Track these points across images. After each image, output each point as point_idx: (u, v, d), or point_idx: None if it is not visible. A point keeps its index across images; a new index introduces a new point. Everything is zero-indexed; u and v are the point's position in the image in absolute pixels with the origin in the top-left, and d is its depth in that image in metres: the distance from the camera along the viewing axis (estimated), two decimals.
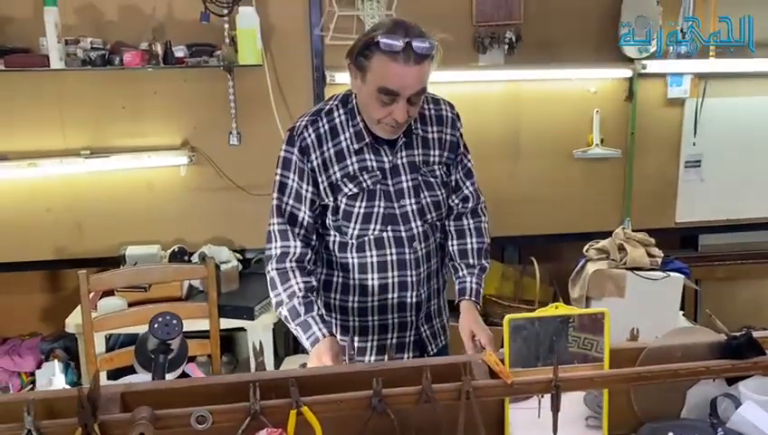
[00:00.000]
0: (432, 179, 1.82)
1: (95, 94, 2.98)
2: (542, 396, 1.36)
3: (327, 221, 1.78)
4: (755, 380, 1.42)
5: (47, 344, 3.22)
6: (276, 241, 1.74)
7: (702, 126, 3.38)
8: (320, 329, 1.66)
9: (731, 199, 3.51)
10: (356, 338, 1.84)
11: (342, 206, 1.75)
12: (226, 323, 2.77)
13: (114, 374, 2.63)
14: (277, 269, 1.72)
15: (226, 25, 2.93)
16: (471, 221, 1.93)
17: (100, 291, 2.81)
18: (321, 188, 1.74)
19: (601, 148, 3.33)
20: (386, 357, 1.81)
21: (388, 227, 1.77)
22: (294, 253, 1.73)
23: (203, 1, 2.83)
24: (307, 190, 1.74)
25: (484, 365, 1.34)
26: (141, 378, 1.42)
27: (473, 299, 1.84)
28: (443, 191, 1.84)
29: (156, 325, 1.41)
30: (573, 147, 3.34)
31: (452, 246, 1.92)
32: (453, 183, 1.89)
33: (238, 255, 3.10)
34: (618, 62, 3.24)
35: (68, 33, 2.79)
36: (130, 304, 2.72)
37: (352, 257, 1.79)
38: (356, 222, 1.75)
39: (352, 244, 1.78)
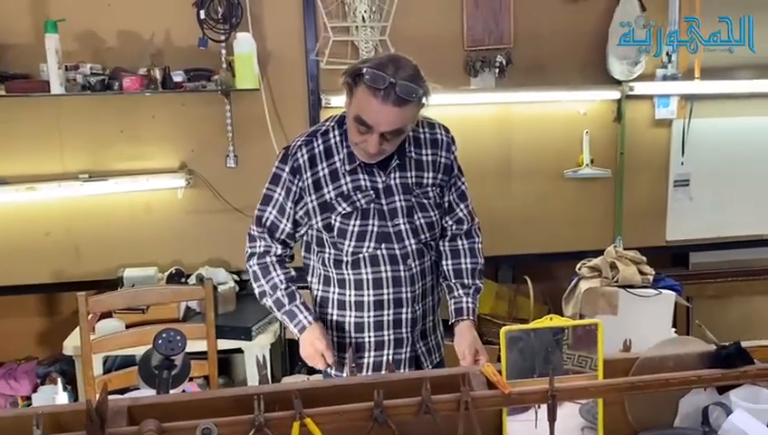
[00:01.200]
0: (425, 201, 1.86)
1: (94, 119, 3.02)
2: (539, 407, 1.39)
3: (324, 238, 1.83)
4: (745, 388, 1.46)
5: (43, 368, 3.21)
6: (258, 241, 1.88)
7: (689, 146, 3.45)
8: (305, 317, 1.83)
9: (720, 217, 3.56)
10: (349, 353, 1.87)
11: (337, 224, 1.80)
12: (224, 344, 2.78)
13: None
14: (259, 264, 1.87)
15: (223, 51, 2.99)
16: (465, 242, 1.97)
17: (97, 313, 2.83)
18: (310, 207, 1.80)
19: (591, 168, 3.39)
20: (383, 370, 1.84)
21: (382, 245, 1.81)
22: (276, 251, 1.87)
23: (201, 27, 2.89)
24: (291, 208, 1.83)
25: (482, 376, 1.37)
26: (145, 393, 1.44)
27: (471, 319, 1.87)
28: (436, 212, 1.89)
29: (160, 341, 1.44)
30: (564, 167, 3.40)
31: (446, 266, 1.95)
32: (446, 205, 1.93)
33: (235, 276, 3.12)
34: (606, 85, 3.32)
35: (68, 59, 2.84)
36: (128, 326, 2.73)
37: (348, 274, 1.84)
38: (351, 239, 1.80)
39: (348, 261, 1.83)
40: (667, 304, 2.76)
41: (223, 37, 2.95)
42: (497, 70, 3.21)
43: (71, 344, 2.79)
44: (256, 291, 1.90)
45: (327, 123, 1.86)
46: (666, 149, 3.48)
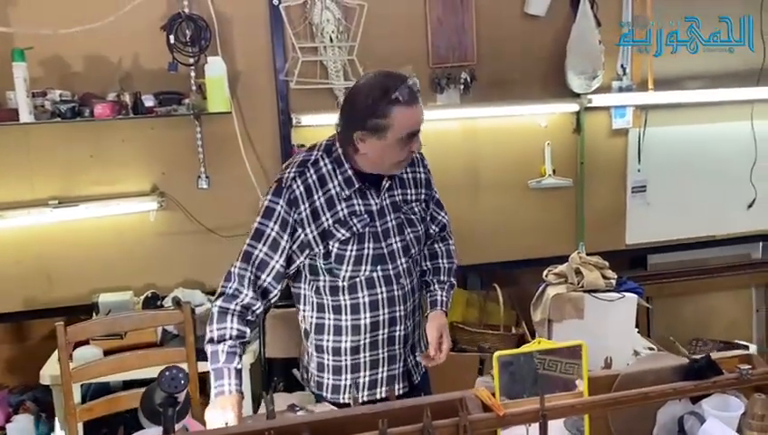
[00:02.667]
0: (413, 216, 1.97)
1: (62, 145, 3.00)
2: (530, 425, 1.48)
3: (318, 265, 1.87)
4: (716, 397, 1.58)
5: (15, 397, 3.17)
6: (233, 282, 1.80)
7: (645, 154, 3.61)
8: (230, 383, 1.72)
9: (675, 220, 3.74)
10: (348, 376, 1.93)
11: (334, 250, 1.84)
12: (204, 367, 2.78)
13: (91, 424, 2.61)
14: (220, 307, 1.79)
15: (193, 73, 3.01)
16: (442, 244, 2.14)
17: (73, 341, 2.81)
18: (310, 237, 1.82)
19: (554, 178, 3.52)
20: (378, 391, 1.93)
21: (378, 267, 1.88)
22: (243, 299, 1.79)
23: (171, 51, 2.89)
24: (286, 242, 1.81)
25: (477, 400, 1.45)
26: (154, 432, 1.48)
27: (443, 310, 2.05)
28: (422, 226, 2.00)
29: (163, 379, 1.48)
30: (528, 178, 3.52)
31: (425, 265, 2.10)
32: (429, 216, 2.07)
33: (211, 297, 3.13)
34: (565, 98, 3.45)
35: (34, 85, 2.80)
36: (106, 353, 2.73)
37: (344, 299, 1.89)
38: (348, 264, 1.85)
39: (344, 286, 1.88)
40: (629, 307, 2.90)
41: (192, 60, 2.97)
42: (462, 86, 3.30)
43: (47, 373, 2.76)
44: (207, 335, 1.79)
45: (313, 153, 1.89)
46: (623, 157, 3.64)
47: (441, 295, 2.07)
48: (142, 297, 3.02)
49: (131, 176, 3.11)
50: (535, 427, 1.47)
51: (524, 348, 1.47)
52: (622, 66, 3.48)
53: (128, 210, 3.08)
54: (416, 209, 1.98)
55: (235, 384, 1.72)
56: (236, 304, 1.79)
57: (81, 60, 2.96)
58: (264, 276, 1.82)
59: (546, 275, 2.98)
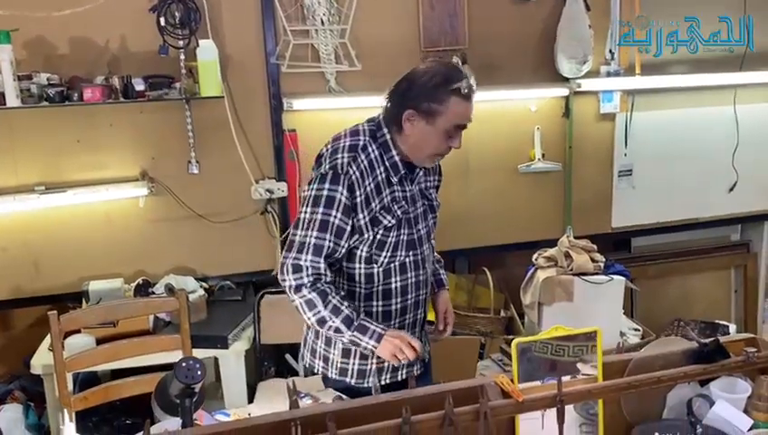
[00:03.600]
0: (433, 203, 2.03)
1: (48, 129, 2.92)
2: (545, 410, 1.50)
3: (357, 253, 1.88)
4: (723, 379, 1.62)
5: (2, 387, 3.12)
6: (307, 271, 1.82)
7: (632, 138, 3.65)
8: (377, 326, 1.84)
9: (660, 204, 3.80)
10: (374, 360, 1.96)
11: (378, 237, 1.86)
12: (199, 354, 2.76)
13: (81, 413, 2.58)
14: (314, 290, 1.82)
15: (182, 56, 2.94)
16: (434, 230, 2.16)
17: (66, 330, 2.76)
18: (363, 223, 1.84)
19: (543, 162, 3.54)
20: (399, 374, 1.99)
21: (410, 253, 1.93)
22: (326, 278, 1.85)
23: (161, 34, 2.83)
24: (348, 226, 1.83)
25: (497, 387, 1.47)
26: (173, 423, 1.46)
27: (447, 288, 2.22)
28: (437, 212, 2.05)
29: (180, 370, 1.46)
30: (517, 162, 3.53)
31: None
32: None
33: (204, 283, 3.11)
34: (555, 82, 3.46)
35: (18, 68, 2.72)
36: (98, 341, 2.69)
37: (378, 286, 1.92)
38: (387, 250, 1.88)
39: (379, 272, 1.90)
40: (617, 289, 2.96)
41: (181, 43, 2.90)
42: None
43: (39, 363, 2.71)
44: (313, 319, 1.85)
45: (360, 138, 1.88)
46: (610, 141, 3.67)
47: (441, 275, 2.21)
48: (133, 284, 2.98)
49: (120, 161, 3.04)
50: (550, 412, 1.49)
51: (543, 335, 1.49)
52: (611, 51, 3.51)
53: (117, 196, 3.02)
54: (434, 195, 2.05)
55: (380, 325, 1.84)
56: (323, 283, 1.84)
57: (66, 42, 2.88)
58: (330, 260, 1.87)
59: (536, 259, 3.02)
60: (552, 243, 3.01)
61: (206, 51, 2.81)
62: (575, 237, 3.02)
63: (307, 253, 1.82)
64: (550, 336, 1.49)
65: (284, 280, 1.84)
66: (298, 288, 1.83)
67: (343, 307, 1.82)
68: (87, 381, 2.90)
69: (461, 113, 1.82)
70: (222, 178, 3.14)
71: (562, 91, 3.48)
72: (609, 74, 3.52)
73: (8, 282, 3.01)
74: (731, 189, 3.87)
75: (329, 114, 3.16)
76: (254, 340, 2.93)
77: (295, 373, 3.17)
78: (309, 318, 1.85)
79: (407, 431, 1.34)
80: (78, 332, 2.77)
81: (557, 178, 3.61)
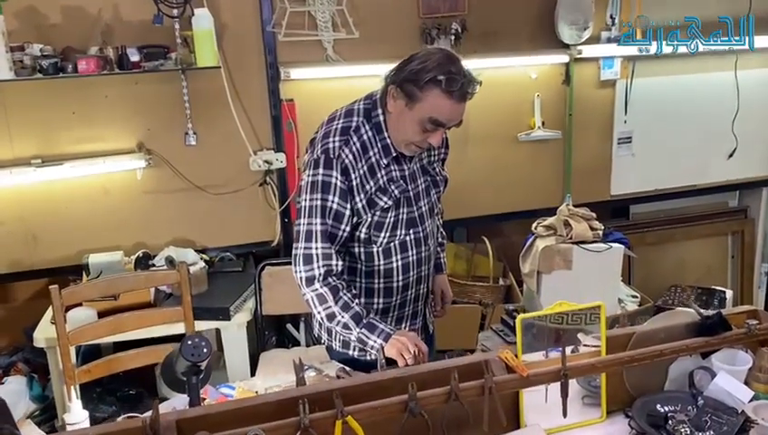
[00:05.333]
0: (437, 177, 2.00)
1: (42, 101, 2.88)
2: (549, 384, 1.52)
3: (356, 234, 1.87)
4: (723, 351, 1.63)
5: (5, 359, 3.14)
6: (318, 261, 1.80)
7: (631, 105, 3.63)
8: (386, 326, 1.81)
9: (658, 171, 3.80)
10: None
11: (376, 218, 1.85)
12: (201, 326, 2.78)
13: (84, 385, 2.60)
14: (326, 285, 1.81)
15: (177, 26, 2.89)
16: (438, 203, 2.13)
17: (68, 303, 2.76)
18: (360, 205, 1.82)
19: (543, 130, 3.52)
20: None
21: (410, 231, 1.91)
22: (337, 270, 1.83)
23: (155, 2, 2.77)
24: (347, 209, 1.81)
25: (501, 362, 1.48)
26: (180, 401, 1.47)
27: (446, 272, 2.25)
28: (442, 186, 2.02)
29: (186, 348, 1.47)
30: (517, 130, 3.51)
31: None
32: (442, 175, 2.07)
33: (204, 255, 3.10)
34: (555, 49, 3.42)
35: (9, 38, 2.67)
36: (100, 314, 2.70)
37: (378, 265, 1.91)
38: (386, 231, 1.87)
39: (378, 251, 1.89)
40: (616, 257, 2.97)
41: (176, 12, 2.84)
42: (453, 37, 3.24)
43: (41, 336, 2.72)
44: (322, 314, 1.84)
45: (354, 119, 1.84)
46: (610, 108, 3.64)
47: (441, 259, 2.20)
48: (133, 257, 2.98)
49: (116, 133, 3.01)
50: (553, 384, 1.51)
51: (547, 310, 1.50)
52: (611, 16, 3.46)
53: (114, 168, 2.99)
54: (437, 169, 2.01)
55: (388, 326, 1.82)
56: (333, 277, 1.82)
57: (58, 11, 2.82)
58: (336, 247, 1.84)
59: (535, 228, 3.02)
60: (552, 211, 3.01)
61: (202, 19, 2.76)
62: (574, 205, 3.02)
63: (316, 240, 1.81)
64: (555, 311, 1.50)
65: (296, 271, 1.83)
66: (309, 281, 1.81)
67: (353, 304, 1.81)
68: (89, 353, 2.92)
69: (439, 108, 1.72)
70: (220, 149, 3.12)
71: (563, 58, 3.44)
72: (609, 40, 3.47)
73: (7, 255, 3.01)
74: (730, 156, 3.86)
75: (327, 83, 3.13)
76: (256, 311, 2.93)
77: (297, 343, 3.20)
78: (319, 312, 1.84)
79: (413, 407, 1.35)
80: (80, 305, 2.78)
81: (556, 146, 3.59)
